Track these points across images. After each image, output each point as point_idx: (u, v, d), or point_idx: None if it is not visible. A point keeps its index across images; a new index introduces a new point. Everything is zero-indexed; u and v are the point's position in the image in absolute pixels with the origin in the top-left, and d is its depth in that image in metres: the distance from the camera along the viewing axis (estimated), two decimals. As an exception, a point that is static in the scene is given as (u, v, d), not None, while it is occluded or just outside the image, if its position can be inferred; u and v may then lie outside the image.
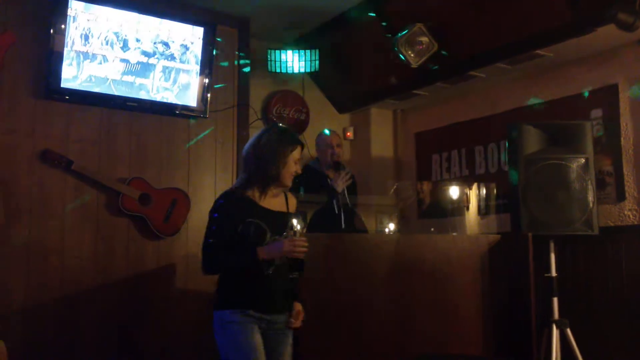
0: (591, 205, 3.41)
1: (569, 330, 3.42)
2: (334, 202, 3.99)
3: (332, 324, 3.34)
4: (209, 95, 4.24)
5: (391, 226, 4.45)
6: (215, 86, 4.34)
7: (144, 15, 4.02)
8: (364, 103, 5.39)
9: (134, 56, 3.99)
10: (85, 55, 3.81)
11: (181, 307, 4.08)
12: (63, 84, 3.74)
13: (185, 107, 4.20)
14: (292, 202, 2.92)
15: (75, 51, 3.77)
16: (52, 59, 3.71)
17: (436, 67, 4.33)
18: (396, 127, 5.62)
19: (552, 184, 3.44)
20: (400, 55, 4.13)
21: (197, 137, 4.31)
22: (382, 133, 5.56)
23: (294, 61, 4.71)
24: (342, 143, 4.52)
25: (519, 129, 3.53)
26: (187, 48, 4.18)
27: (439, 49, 4.14)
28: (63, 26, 3.71)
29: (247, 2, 4.33)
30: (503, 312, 3.73)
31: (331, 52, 4.91)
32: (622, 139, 3.96)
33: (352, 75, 5.15)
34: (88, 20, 3.81)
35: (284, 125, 2.95)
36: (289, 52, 4.71)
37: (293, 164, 2.75)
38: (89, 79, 3.83)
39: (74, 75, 3.77)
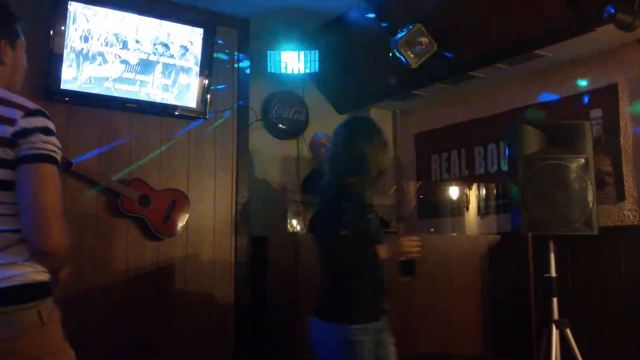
0: (591, 205, 3.42)
1: (568, 331, 3.42)
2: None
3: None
4: (208, 96, 4.24)
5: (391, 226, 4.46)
6: (215, 87, 4.34)
7: (144, 17, 4.02)
8: (364, 104, 5.39)
9: (134, 57, 3.99)
10: (85, 56, 3.82)
11: (181, 308, 4.08)
12: (63, 86, 3.74)
13: (185, 108, 4.20)
14: None
15: (75, 52, 3.78)
16: (51, 60, 3.71)
17: (440, 71, 4.34)
18: (396, 127, 5.62)
19: (551, 184, 3.45)
20: (400, 56, 4.13)
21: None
22: (382, 133, 5.56)
23: (293, 62, 4.71)
24: None
25: (518, 129, 3.53)
26: (186, 49, 4.18)
27: (439, 50, 4.14)
28: (63, 27, 3.71)
29: (247, 3, 4.33)
30: (503, 312, 3.74)
31: (331, 53, 4.91)
32: (621, 139, 3.96)
33: (351, 76, 5.15)
34: (88, 21, 3.82)
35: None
36: (289, 53, 4.71)
37: None
38: (88, 80, 3.83)
39: (74, 76, 3.77)
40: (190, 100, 4.20)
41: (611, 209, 3.97)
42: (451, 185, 4.87)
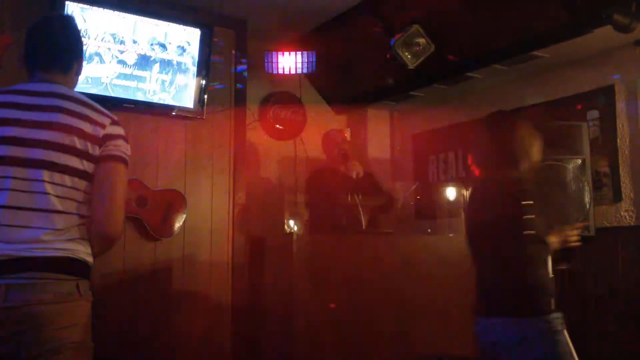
0: (588, 206, 3.43)
1: (565, 331, 3.42)
2: (349, 195, 4.08)
3: (328, 324, 3.34)
4: (206, 96, 4.24)
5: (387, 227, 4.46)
6: (212, 87, 4.34)
7: (141, 17, 4.02)
8: (361, 104, 5.40)
9: (131, 57, 3.98)
10: (82, 56, 3.81)
11: (178, 308, 4.07)
12: (60, 86, 3.73)
13: (182, 109, 4.19)
14: None
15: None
16: (48, 60, 3.70)
17: (438, 72, 4.35)
18: (393, 128, 5.62)
19: (548, 184, 3.45)
20: (397, 57, 4.13)
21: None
22: (379, 134, 5.57)
23: (291, 62, 4.71)
24: (346, 139, 4.58)
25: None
26: (184, 49, 4.17)
27: (437, 51, 4.15)
28: (60, 27, 3.70)
29: (244, 3, 4.33)
30: (500, 313, 3.73)
31: (328, 53, 4.92)
32: (618, 140, 3.96)
33: (349, 77, 5.16)
34: (85, 21, 3.81)
35: None
36: (286, 53, 4.71)
37: None
38: (85, 81, 3.82)
39: (71, 76, 3.76)
40: (187, 100, 4.20)
41: (608, 210, 3.98)
42: (448, 186, 4.87)
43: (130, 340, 3.88)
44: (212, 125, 4.37)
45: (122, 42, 3.94)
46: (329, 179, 4.30)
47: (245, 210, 4.50)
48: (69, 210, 1.90)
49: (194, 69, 4.20)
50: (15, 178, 1.86)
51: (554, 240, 2.42)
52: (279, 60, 4.71)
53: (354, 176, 4.18)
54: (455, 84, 4.69)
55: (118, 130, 2.00)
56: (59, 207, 1.88)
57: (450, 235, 4.38)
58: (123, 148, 1.99)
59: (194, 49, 4.19)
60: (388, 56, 4.18)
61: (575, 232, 2.50)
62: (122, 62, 3.95)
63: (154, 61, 4.07)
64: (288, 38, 4.89)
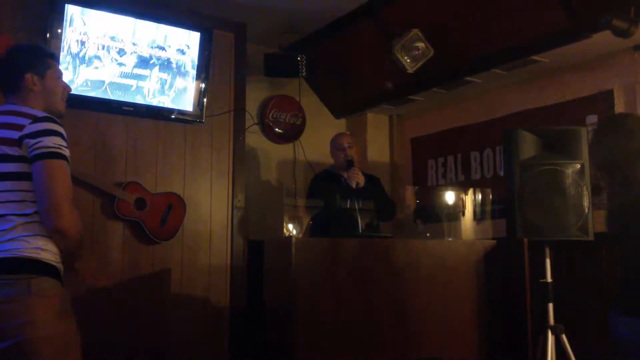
0: (586, 210, 3.42)
1: (564, 336, 3.42)
2: (349, 200, 4.04)
3: (328, 328, 3.33)
4: (205, 99, 4.24)
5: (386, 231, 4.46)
6: (212, 90, 4.34)
7: (141, 20, 4.02)
8: (360, 108, 5.40)
9: (130, 61, 3.99)
10: (82, 59, 3.81)
11: (176, 311, 4.07)
12: (59, 88, 3.73)
13: (182, 112, 4.20)
14: None
15: (72, 55, 3.77)
16: (48, 63, 3.70)
17: (437, 76, 4.35)
18: (392, 132, 5.62)
19: (547, 189, 3.45)
20: (397, 61, 4.14)
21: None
22: (379, 138, 5.57)
23: (290, 66, 4.71)
24: (354, 144, 4.54)
25: (514, 135, 3.54)
26: (183, 53, 4.18)
27: (436, 55, 4.16)
28: (59, 30, 3.71)
29: (244, 7, 4.33)
30: (499, 318, 3.73)
31: (327, 57, 4.92)
32: (617, 144, 3.96)
33: (348, 81, 5.16)
34: (84, 24, 3.81)
35: None
36: (285, 56, 4.71)
37: None
38: (85, 84, 3.83)
39: (70, 79, 3.76)
40: (186, 103, 4.20)
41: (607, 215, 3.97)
42: (447, 190, 4.86)
43: (129, 343, 3.87)
44: (211, 129, 4.38)
45: (121, 45, 3.94)
46: (328, 185, 4.30)
47: (244, 213, 4.49)
48: (7, 212, 2.01)
49: (193, 72, 4.20)
50: None
51: None
52: (279, 64, 4.71)
53: (354, 186, 4.17)
54: (455, 88, 4.69)
55: (39, 126, 2.05)
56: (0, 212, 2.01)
57: (449, 239, 4.37)
58: (46, 142, 2.02)
59: (193, 52, 4.20)
60: (387, 60, 4.19)
61: None
62: (121, 65, 3.95)
63: (154, 64, 4.07)
64: (287, 41, 4.89)
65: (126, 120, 4.06)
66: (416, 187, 5.27)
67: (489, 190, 4.55)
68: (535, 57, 4.01)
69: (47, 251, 2.03)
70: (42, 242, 2.02)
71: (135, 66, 4.00)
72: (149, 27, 4.05)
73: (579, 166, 3.48)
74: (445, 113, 5.17)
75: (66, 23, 3.74)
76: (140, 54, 4.02)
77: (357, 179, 4.20)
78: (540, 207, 3.44)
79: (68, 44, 3.75)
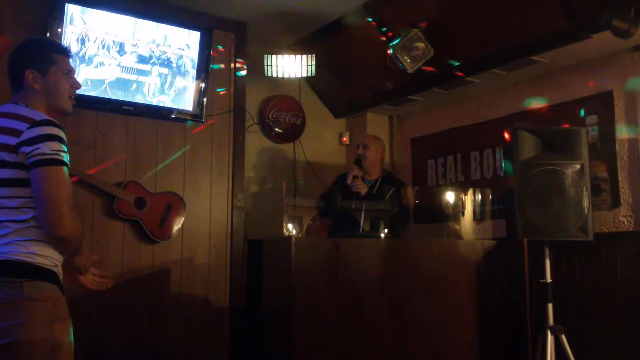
0: (586, 211, 3.42)
1: (563, 337, 3.42)
2: (354, 202, 4.10)
3: (328, 327, 3.33)
4: (205, 99, 4.24)
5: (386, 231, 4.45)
6: (212, 90, 4.34)
7: (141, 20, 4.02)
8: (360, 108, 5.40)
9: (131, 60, 3.99)
10: (82, 59, 3.81)
11: (176, 311, 4.07)
12: (59, 88, 3.73)
13: (182, 111, 4.20)
14: None
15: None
16: (48, 62, 3.70)
17: (437, 76, 4.36)
18: (392, 132, 5.62)
19: (547, 189, 3.45)
20: (396, 61, 4.14)
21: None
22: (378, 138, 5.56)
23: (290, 66, 4.71)
24: (369, 144, 4.55)
25: (514, 135, 3.54)
26: (183, 52, 4.18)
27: (435, 55, 4.15)
28: (59, 30, 3.71)
29: (244, 6, 4.33)
30: (498, 318, 3.73)
31: (328, 57, 4.92)
32: (617, 145, 3.97)
33: (348, 81, 5.16)
34: (85, 24, 3.81)
35: None
36: (286, 56, 4.71)
37: None
38: (85, 83, 3.83)
39: (70, 78, 3.76)
40: (186, 103, 4.20)
41: (606, 215, 3.98)
42: (447, 190, 4.86)
43: (128, 342, 3.87)
44: (211, 128, 4.38)
45: (121, 45, 3.94)
46: (342, 185, 4.39)
47: (244, 213, 4.49)
48: (3, 218, 1.99)
49: (193, 72, 4.20)
50: None
51: None
52: (279, 64, 4.71)
53: (362, 193, 4.25)
54: (455, 88, 4.69)
55: (37, 131, 2.00)
56: None
57: (449, 239, 4.37)
58: (43, 149, 1.98)
59: (193, 52, 4.20)
60: (387, 60, 4.19)
61: None
62: (121, 64, 3.95)
63: (154, 63, 4.07)
64: (288, 41, 4.89)
65: (126, 120, 4.06)
66: (416, 187, 5.26)
67: (488, 191, 4.56)
68: (535, 57, 4.01)
69: (42, 256, 2.01)
70: (37, 247, 2.00)
71: (135, 65, 4.00)
72: (149, 26, 4.05)
73: (578, 166, 3.48)
74: (445, 113, 5.17)
75: (66, 22, 3.74)
76: (141, 53, 4.02)
77: (357, 189, 4.24)
78: (540, 207, 3.44)
79: (68, 43, 3.75)
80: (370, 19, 4.44)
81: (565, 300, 3.89)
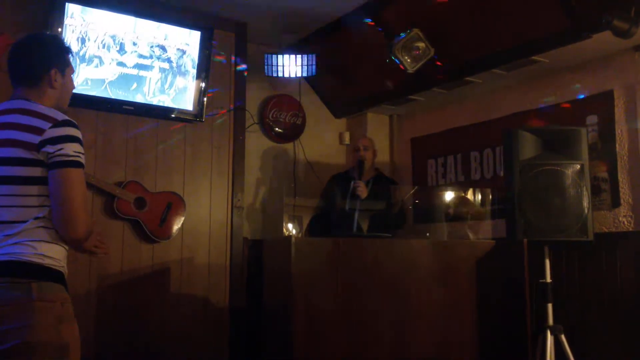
0: (586, 211, 3.42)
1: (563, 337, 3.42)
2: (351, 202, 4.15)
3: (327, 327, 3.33)
4: (205, 99, 4.24)
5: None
6: (212, 90, 4.34)
7: (141, 19, 4.02)
8: (360, 108, 5.40)
9: (131, 60, 3.99)
10: (82, 58, 3.81)
11: (176, 311, 4.07)
12: (59, 87, 3.73)
13: (182, 111, 4.20)
14: None
15: (71, 54, 3.76)
16: (48, 61, 3.70)
17: (437, 76, 4.36)
18: (392, 132, 5.62)
19: (547, 190, 3.45)
20: (397, 61, 4.14)
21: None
22: (379, 138, 5.56)
23: (290, 65, 4.71)
24: (370, 146, 4.61)
25: (514, 135, 3.54)
26: (183, 52, 4.18)
27: (436, 55, 4.15)
28: (60, 29, 3.71)
29: (245, 6, 4.33)
30: (498, 318, 3.74)
31: (328, 56, 4.92)
32: (617, 145, 3.96)
33: (348, 80, 5.16)
34: (85, 23, 3.81)
35: None
36: (286, 56, 4.71)
37: None
38: (85, 82, 3.83)
39: (70, 78, 3.76)
40: (187, 102, 4.20)
41: (606, 215, 3.98)
42: (447, 190, 4.86)
43: (128, 342, 3.87)
44: (211, 128, 4.38)
45: (121, 44, 3.94)
46: (339, 185, 4.40)
47: (244, 213, 4.50)
48: (17, 219, 1.98)
49: (193, 72, 4.20)
50: None
51: None
52: (279, 63, 4.71)
53: (362, 197, 4.26)
54: (455, 88, 4.69)
55: (60, 131, 2.01)
56: (5, 217, 1.98)
57: (449, 239, 4.37)
58: (67, 150, 2.00)
59: (193, 52, 4.20)
60: (387, 60, 4.19)
61: None
62: (121, 64, 3.95)
63: (154, 63, 4.07)
64: (288, 41, 4.89)
65: (126, 119, 4.06)
66: (416, 187, 5.26)
67: (488, 191, 4.55)
68: (535, 58, 4.00)
69: (50, 257, 2.01)
70: (46, 248, 2.00)
71: (135, 65, 4.00)
72: (150, 26, 4.05)
73: (578, 166, 3.48)
74: (445, 113, 5.17)
75: (66, 22, 3.73)
76: (141, 52, 4.02)
77: (359, 192, 4.26)
78: (540, 207, 3.44)
79: (68, 42, 3.74)
80: (370, 19, 4.44)
81: (565, 300, 3.89)
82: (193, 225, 4.21)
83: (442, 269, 3.66)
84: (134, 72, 4.00)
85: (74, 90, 3.78)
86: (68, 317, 2.02)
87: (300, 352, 3.22)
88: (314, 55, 4.75)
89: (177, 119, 4.21)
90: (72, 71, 2.28)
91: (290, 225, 4.60)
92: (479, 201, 4.60)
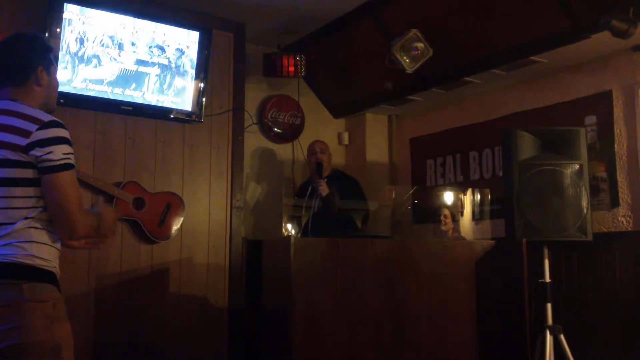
0: (585, 211, 3.43)
1: (562, 336, 3.43)
2: (318, 204, 4.26)
3: (327, 328, 3.33)
4: (204, 99, 4.24)
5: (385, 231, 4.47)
6: (211, 90, 4.33)
7: (140, 19, 4.02)
8: (359, 108, 5.40)
9: (129, 60, 3.98)
10: (81, 58, 3.81)
11: (175, 311, 4.07)
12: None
13: (181, 111, 4.19)
14: None
15: (70, 54, 3.77)
16: (47, 62, 3.69)
17: (436, 77, 4.37)
18: (391, 132, 5.62)
19: (546, 190, 3.46)
20: (396, 61, 4.14)
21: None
22: (377, 138, 5.57)
23: (289, 66, 4.71)
24: (326, 149, 4.70)
25: (513, 135, 3.54)
26: (182, 52, 4.17)
27: (435, 55, 4.16)
28: (58, 30, 3.70)
29: (243, 6, 4.33)
30: (497, 318, 3.74)
31: (327, 57, 4.92)
32: (616, 145, 3.97)
33: (347, 81, 5.16)
34: (83, 23, 3.81)
35: None
36: (285, 56, 4.71)
37: None
38: (83, 83, 3.82)
39: (69, 78, 3.76)
40: (185, 103, 4.20)
41: (605, 215, 3.98)
42: (446, 190, 4.87)
43: (127, 342, 3.87)
44: (210, 128, 4.37)
45: (120, 45, 3.94)
46: (305, 189, 4.44)
47: (243, 213, 4.49)
48: (6, 220, 1.97)
49: (192, 72, 4.20)
50: None
51: None
52: (277, 64, 4.71)
53: (323, 194, 4.33)
54: (454, 88, 4.69)
55: (47, 133, 1.99)
56: None
57: (449, 239, 4.37)
58: (57, 154, 1.99)
59: (192, 52, 4.20)
60: (386, 60, 4.19)
61: None
62: (120, 64, 3.95)
63: (153, 63, 4.06)
64: (286, 41, 4.89)
65: (125, 120, 4.06)
66: (415, 187, 5.27)
67: (487, 191, 4.56)
68: (534, 58, 4.01)
69: (41, 258, 2.00)
70: (36, 249, 1.99)
71: (134, 65, 4.00)
72: (148, 26, 4.05)
73: (577, 166, 3.48)
74: (445, 113, 5.17)
75: (65, 22, 3.73)
76: (140, 53, 4.02)
77: (320, 190, 4.34)
78: (539, 207, 3.45)
79: (67, 43, 3.75)
80: (370, 19, 4.44)
81: (564, 300, 3.90)
82: (192, 225, 4.21)
83: (441, 269, 3.66)
84: (133, 72, 4.00)
85: (73, 91, 3.82)
86: (60, 317, 2.01)
87: (299, 353, 3.21)
88: (312, 56, 4.75)
89: (175, 119, 4.21)
90: (56, 70, 2.24)
91: (289, 226, 4.60)
92: (478, 201, 4.60)
